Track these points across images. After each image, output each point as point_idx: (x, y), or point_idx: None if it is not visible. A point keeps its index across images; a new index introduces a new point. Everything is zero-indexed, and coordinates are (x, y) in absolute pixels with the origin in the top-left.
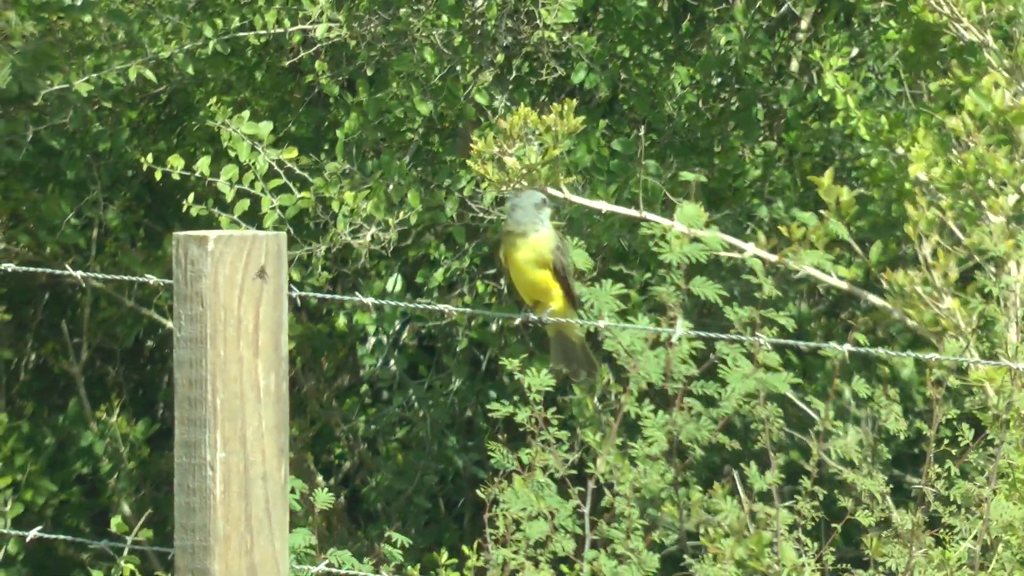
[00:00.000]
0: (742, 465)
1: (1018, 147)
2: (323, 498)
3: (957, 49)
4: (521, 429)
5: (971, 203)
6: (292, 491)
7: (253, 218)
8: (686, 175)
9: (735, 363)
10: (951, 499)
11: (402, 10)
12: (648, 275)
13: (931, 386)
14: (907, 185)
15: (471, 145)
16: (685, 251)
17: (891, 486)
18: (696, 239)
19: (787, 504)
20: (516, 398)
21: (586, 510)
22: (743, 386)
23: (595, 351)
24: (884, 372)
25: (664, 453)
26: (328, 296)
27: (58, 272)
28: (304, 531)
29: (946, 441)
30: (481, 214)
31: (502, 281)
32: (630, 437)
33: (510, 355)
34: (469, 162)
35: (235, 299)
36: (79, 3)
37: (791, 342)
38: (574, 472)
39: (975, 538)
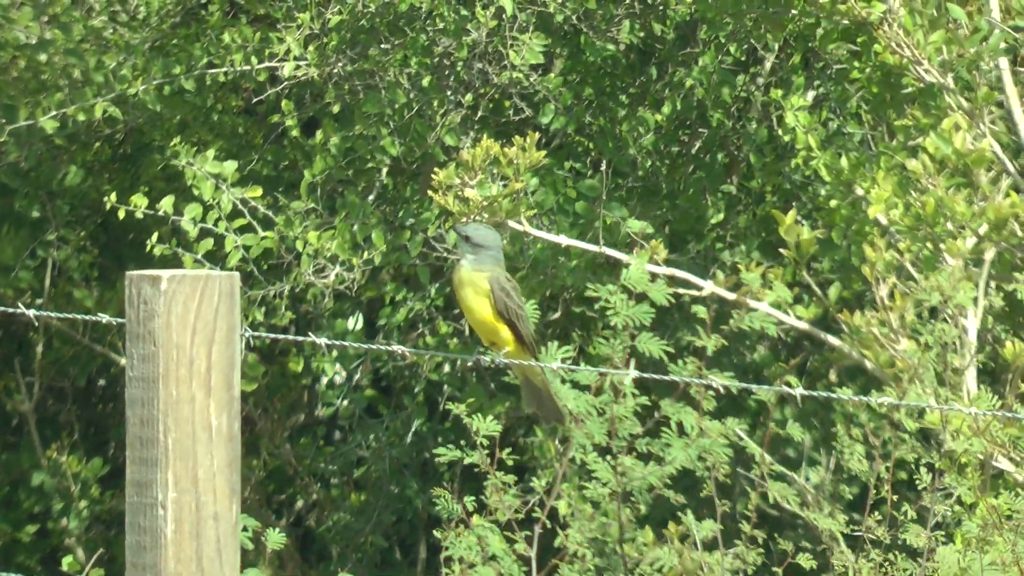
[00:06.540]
0: (680, 514)
1: (977, 190)
2: (275, 538)
3: (919, 91)
4: (476, 470)
5: (929, 246)
6: (245, 529)
7: (217, 257)
8: (632, 223)
9: (677, 420)
10: (905, 543)
11: (371, 50)
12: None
13: (871, 433)
14: (866, 227)
15: (432, 177)
16: (631, 313)
17: (851, 527)
18: (643, 296)
19: (730, 551)
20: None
21: (532, 553)
22: (683, 455)
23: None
24: (840, 415)
25: (611, 496)
26: (282, 337)
27: (11, 311)
28: (255, 571)
29: (892, 484)
30: (445, 254)
31: (463, 321)
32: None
33: (468, 396)
34: (431, 192)
35: (188, 339)
36: (35, 42)
37: (741, 384)
38: (520, 516)
39: None
